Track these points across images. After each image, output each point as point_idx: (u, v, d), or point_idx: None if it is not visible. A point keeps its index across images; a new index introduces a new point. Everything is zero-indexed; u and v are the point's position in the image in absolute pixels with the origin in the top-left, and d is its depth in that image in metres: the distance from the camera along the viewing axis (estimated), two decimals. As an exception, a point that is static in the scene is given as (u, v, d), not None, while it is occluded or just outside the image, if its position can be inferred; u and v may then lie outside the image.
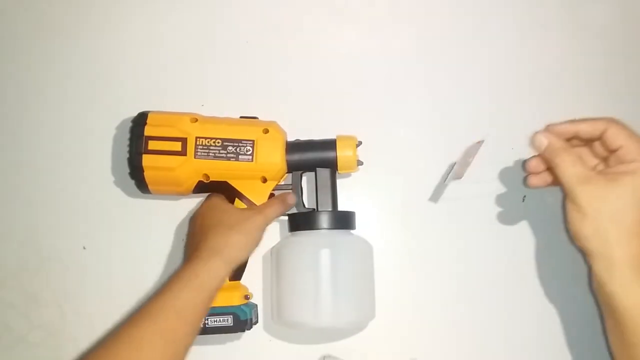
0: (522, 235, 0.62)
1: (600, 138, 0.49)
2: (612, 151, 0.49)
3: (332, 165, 0.58)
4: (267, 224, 0.56)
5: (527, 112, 0.65)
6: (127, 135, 0.56)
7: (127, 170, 0.56)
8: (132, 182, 0.57)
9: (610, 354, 0.50)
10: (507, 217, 0.63)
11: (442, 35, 0.66)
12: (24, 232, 0.62)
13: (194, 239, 0.55)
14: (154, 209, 0.62)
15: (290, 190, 0.59)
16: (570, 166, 0.48)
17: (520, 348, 0.61)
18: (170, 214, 0.62)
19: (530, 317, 0.62)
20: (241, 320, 0.55)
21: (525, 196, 0.63)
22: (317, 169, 0.58)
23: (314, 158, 0.58)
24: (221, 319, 0.55)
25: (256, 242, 0.55)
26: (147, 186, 0.57)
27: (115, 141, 0.63)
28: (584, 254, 0.49)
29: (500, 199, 0.63)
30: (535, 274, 0.61)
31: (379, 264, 0.59)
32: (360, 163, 0.58)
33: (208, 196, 0.59)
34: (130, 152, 0.56)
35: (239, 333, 0.58)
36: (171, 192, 0.58)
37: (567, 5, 0.67)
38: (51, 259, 0.62)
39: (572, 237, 0.50)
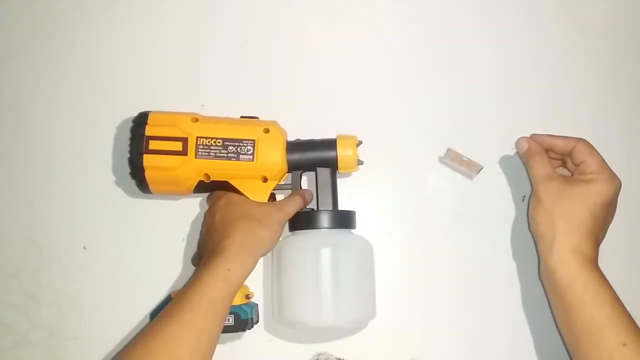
0: (522, 236, 0.62)
1: (570, 154, 0.58)
2: (577, 165, 0.57)
3: (332, 165, 0.58)
4: (286, 220, 0.57)
5: (528, 112, 0.65)
6: (128, 135, 0.56)
7: (128, 170, 0.56)
8: (133, 182, 0.57)
9: (559, 332, 0.57)
10: (506, 217, 0.63)
11: (442, 35, 0.66)
12: (24, 232, 0.62)
13: (214, 233, 0.55)
14: (154, 209, 0.63)
15: (302, 189, 0.60)
16: (540, 166, 0.57)
17: (521, 347, 0.62)
18: (170, 214, 0.62)
19: (530, 317, 0.62)
20: (242, 319, 0.55)
21: (525, 196, 0.63)
22: (318, 168, 0.58)
23: (315, 157, 0.58)
24: (222, 318, 0.55)
25: (278, 237, 0.56)
26: (147, 186, 0.57)
27: (116, 141, 0.63)
28: (534, 240, 0.58)
29: (499, 199, 0.63)
30: (535, 274, 0.61)
31: (380, 263, 0.59)
32: (360, 162, 0.59)
33: (221, 192, 0.58)
34: (131, 152, 0.56)
35: (240, 332, 0.58)
36: (172, 192, 0.58)
37: (567, 5, 0.67)
38: (51, 259, 0.62)
39: (529, 222, 0.58)
